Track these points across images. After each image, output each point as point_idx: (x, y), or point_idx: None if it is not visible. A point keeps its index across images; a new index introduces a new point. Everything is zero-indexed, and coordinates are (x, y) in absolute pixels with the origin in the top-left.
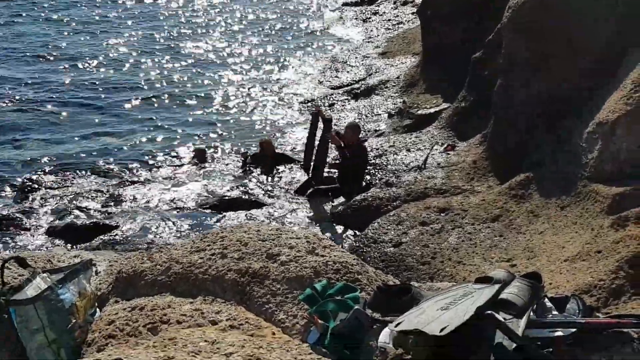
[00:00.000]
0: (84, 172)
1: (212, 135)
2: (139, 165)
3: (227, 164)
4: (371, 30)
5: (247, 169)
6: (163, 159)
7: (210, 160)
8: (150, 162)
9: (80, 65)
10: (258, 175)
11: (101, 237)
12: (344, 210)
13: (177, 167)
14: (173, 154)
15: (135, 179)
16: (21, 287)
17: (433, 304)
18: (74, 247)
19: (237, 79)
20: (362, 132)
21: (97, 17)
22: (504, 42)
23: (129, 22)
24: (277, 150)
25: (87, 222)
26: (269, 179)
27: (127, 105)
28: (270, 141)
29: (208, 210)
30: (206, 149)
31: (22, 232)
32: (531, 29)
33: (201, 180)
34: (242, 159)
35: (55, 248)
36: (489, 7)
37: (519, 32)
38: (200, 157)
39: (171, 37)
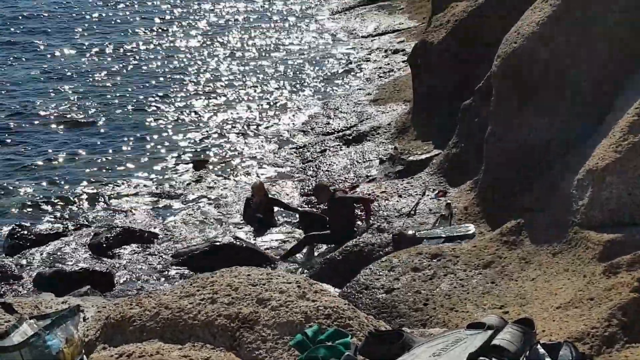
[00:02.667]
0: (74, 216)
1: (202, 177)
2: (129, 207)
3: (219, 208)
4: (364, 77)
5: (250, 213)
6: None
7: (208, 175)
8: (140, 202)
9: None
10: (252, 220)
11: (90, 283)
12: (335, 256)
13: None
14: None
15: (126, 223)
16: (7, 334)
17: (425, 350)
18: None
19: (227, 119)
20: (331, 186)
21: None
22: (494, 89)
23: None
24: (269, 195)
25: (76, 269)
26: (262, 223)
27: (118, 136)
28: (262, 185)
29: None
30: (204, 160)
31: (10, 278)
32: (520, 76)
33: (193, 222)
34: (245, 203)
35: (42, 294)
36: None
37: (508, 80)
38: (199, 167)
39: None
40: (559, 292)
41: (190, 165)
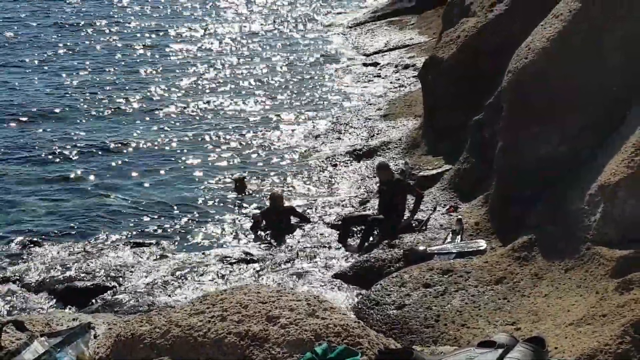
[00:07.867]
0: (89, 230)
1: (220, 195)
2: (144, 225)
3: (233, 223)
4: (374, 92)
5: (258, 230)
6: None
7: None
8: (155, 222)
9: (83, 120)
10: (265, 234)
11: (101, 299)
12: (347, 270)
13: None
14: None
15: (139, 240)
16: (18, 351)
17: None
18: (74, 310)
19: (236, 139)
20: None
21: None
22: (504, 104)
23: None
24: (286, 204)
25: (88, 284)
26: (276, 236)
27: (137, 156)
28: (281, 195)
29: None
30: (245, 178)
31: (22, 294)
32: (531, 91)
33: (207, 239)
34: (254, 220)
35: (54, 311)
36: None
37: (518, 95)
38: (240, 187)
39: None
40: (572, 309)
41: (210, 182)
